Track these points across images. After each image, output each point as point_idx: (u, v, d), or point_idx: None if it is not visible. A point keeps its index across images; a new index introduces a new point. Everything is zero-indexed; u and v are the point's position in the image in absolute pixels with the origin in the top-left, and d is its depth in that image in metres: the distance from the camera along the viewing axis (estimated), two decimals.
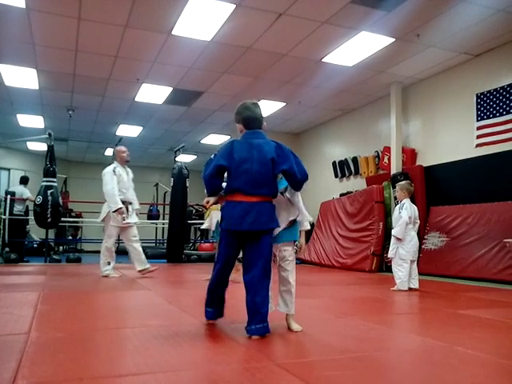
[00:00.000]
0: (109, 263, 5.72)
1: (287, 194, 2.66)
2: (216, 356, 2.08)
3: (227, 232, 2.54)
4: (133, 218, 5.84)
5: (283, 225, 2.62)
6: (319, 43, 6.40)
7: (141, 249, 5.86)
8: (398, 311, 3.91)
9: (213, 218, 5.33)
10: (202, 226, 5.88)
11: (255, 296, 2.43)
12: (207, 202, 2.62)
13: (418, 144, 7.89)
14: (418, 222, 5.07)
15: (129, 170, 5.99)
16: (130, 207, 5.80)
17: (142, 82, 8.04)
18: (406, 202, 4.99)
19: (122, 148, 5.97)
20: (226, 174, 2.59)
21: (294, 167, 2.50)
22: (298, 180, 2.54)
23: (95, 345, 2.30)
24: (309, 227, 2.79)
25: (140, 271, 5.73)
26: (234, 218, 2.47)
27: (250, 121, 2.62)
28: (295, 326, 2.64)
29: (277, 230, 2.59)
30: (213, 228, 5.37)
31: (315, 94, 8.63)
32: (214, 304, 2.68)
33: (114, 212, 5.51)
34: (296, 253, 2.74)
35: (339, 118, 10.14)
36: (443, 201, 7.12)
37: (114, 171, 5.66)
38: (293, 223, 2.67)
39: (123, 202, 5.62)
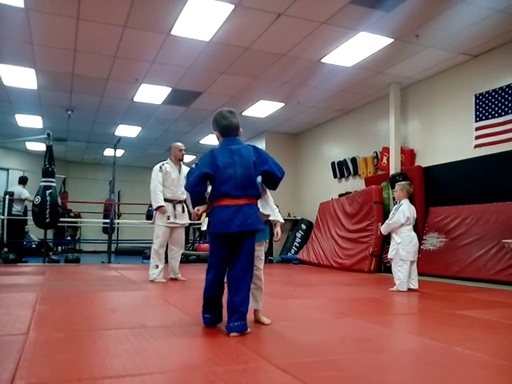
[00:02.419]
0: (157, 266, 5.35)
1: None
2: (215, 357, 2.08)
3: (216, 236, 2.60)
4: (181, 219, 5.50)
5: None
6: (318, 43, 6.40)
7: (179, 257, 5.62)
8: (396, 312, 3.92)
9: None
10: (202, 228, 5.60)
11: (235, 295, 2.51)
12: (198, 211, 2.67)
13: (417, 144, 7.90)
14: (414, 222, 5.07)
15: (184, 167, 5.62)
16: (178, 206, 5.49)
17: (140, 82, 8.03)
18: (405, 202, 4.99)
19: (179, 145, 5.61)
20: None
21: (273, 167, 2.66)
22: (278, 178, 2.69)
23: (94, 345, 2.30)
24: (283, 220, 3.05)
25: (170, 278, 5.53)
26: (222, 221, 2.53)
27: (227, 129, 2.72)
28: (265, 319, 2.83)
29: None
30: None
31: (314, 95, 8.63)
32: (212, 310, 2.70)
33: (155, 210, 5.36)
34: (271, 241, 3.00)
35: (338, 119, 10.14)
36: (442, 201, 7.13)
37: (160, 168, 5.43)
38: (265, 224, 2.84)
39: (171, 201, 5.42)
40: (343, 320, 3.16)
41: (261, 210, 2.75)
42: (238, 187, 2.54)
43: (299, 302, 4.02)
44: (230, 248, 2.58)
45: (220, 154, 2.61)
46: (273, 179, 2.69)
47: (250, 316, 2.73)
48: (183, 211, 5.54)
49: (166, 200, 5.41)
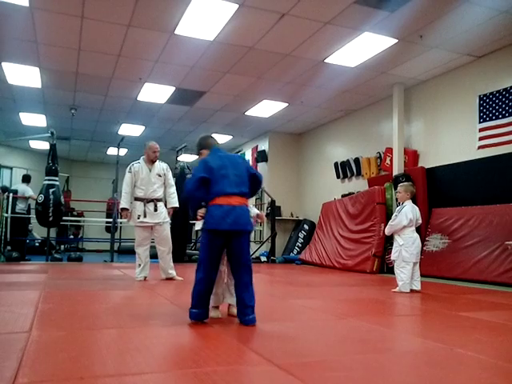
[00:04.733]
0: (139, 265, 5.42)
1: None
2: (216, 356, 2.07)
3: (208, 233, 2.75)
4: (153, 218, 5.38)
5: None
6: (322, 44, 6.40)
7: (168, 256, 5.47)
8: (398, 313, 3.91)
9: None
10: (196, 228, 5.47)
11: (243, 292, 2.73)
12: (201, 213, 2.90)
13: (420, 145, 7.88)
14: (420, 221, 5.07)
15: (159, 165, 5.54)
16: (150, 205, 5.38)
17: (144, 81, 8.05)
18: (408, 204, 4.98)
19: (154, 146, 5.51)
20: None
21: (257, 173, 3.03)
22: (260, 182, 3.03)
23: (96, 344, 2.30)
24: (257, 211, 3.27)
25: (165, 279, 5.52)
26: (215, 218, 2.71)
27: (211, 143, 3.13)
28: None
29: None
30: None
31: (317, 95, 8.62)
32: (200, 305, 2.78)
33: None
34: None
35: (341, 119, 10.13)
36: (445, 203, 7.11)
37: (129, 169, 5.47)
38: None
39: (142, 199, 5.38)
40: (345, 321, 3.16)
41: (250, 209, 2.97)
42: (231, 184, 2.76)
43: (301, 302, 4.02)
44: (220, 246, 2.74)
45: (212, 160, 2.88)
46: (257, 183, 2.99)
47: (223, 308, 3.00)
48: (155, 210, 5.41)
49: (137, 199, 5.44)
